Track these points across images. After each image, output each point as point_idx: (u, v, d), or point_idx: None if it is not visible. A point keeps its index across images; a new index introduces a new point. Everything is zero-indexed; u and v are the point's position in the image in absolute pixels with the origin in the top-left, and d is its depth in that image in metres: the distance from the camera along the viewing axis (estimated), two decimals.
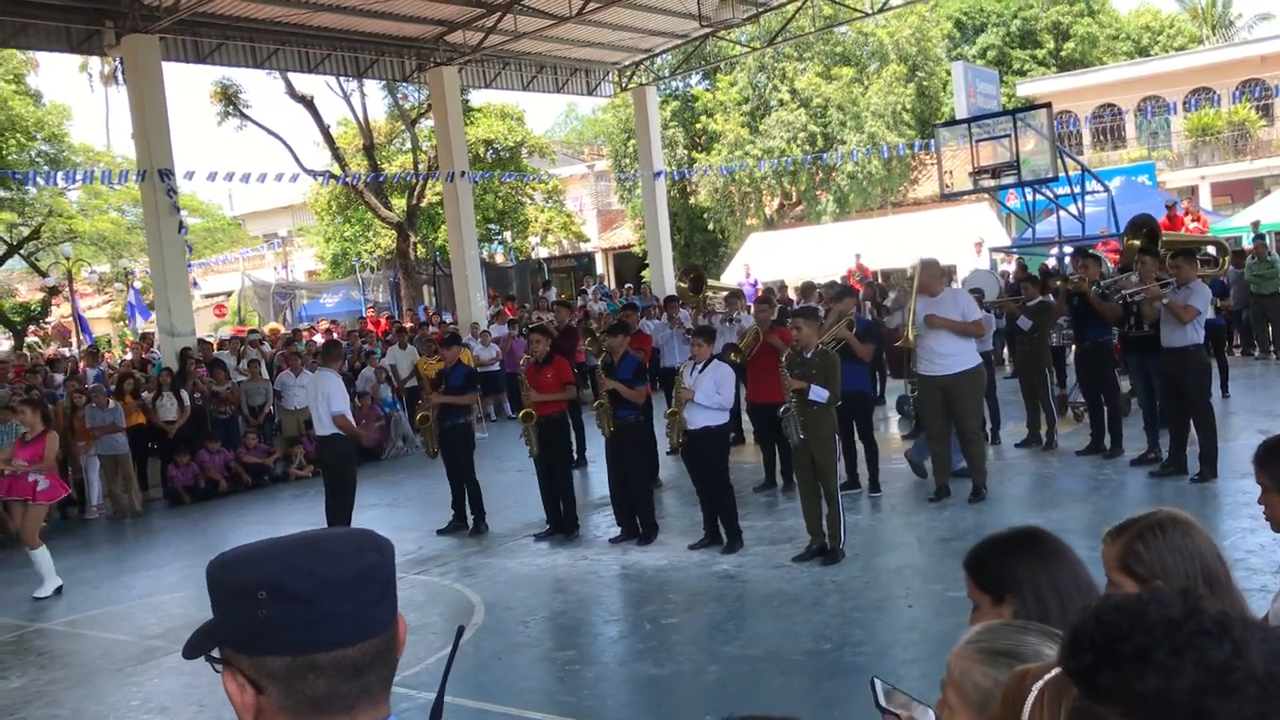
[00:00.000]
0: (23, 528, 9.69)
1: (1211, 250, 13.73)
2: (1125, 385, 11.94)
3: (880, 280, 21.81)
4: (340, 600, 1.26)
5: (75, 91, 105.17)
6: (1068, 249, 15.79)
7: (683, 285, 13.31)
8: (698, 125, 33.12)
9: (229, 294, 36.45)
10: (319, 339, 19.19)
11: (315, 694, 1.26)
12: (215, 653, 1.32)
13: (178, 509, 13.87)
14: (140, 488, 14.25)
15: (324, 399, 9.65)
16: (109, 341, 33.51)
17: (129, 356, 19.80)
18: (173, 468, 14.21)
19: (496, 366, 17.95)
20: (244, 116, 26.60)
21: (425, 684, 5.93)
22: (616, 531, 9.35)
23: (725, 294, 13.62)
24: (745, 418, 11.14)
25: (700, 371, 8.47)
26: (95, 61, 29.99)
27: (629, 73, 25.04)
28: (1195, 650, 0.99)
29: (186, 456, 14.23)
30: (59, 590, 9.52)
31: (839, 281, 16.89)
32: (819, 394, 7.83)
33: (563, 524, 9.66)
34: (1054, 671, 1.22)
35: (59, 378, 15.65)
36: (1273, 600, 2.77)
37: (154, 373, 15.59)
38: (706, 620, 7.02)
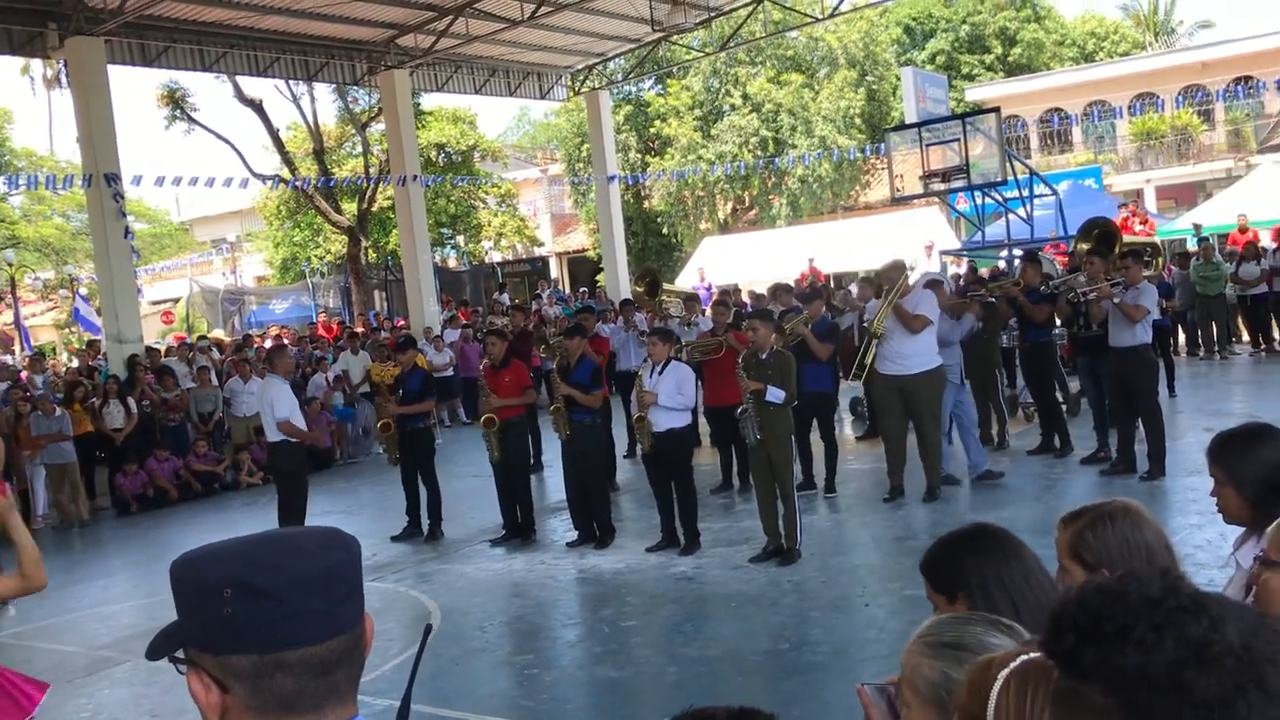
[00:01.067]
0: None
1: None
2: (1075, 385, 12.12)
3: (833, 284, 21.97)
4: (307, 597, 1.24)
5: (17, 95, 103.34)
6: (1017, 252, 15.98)
7: (638, 289, 13.31)
8: (651, 129, 33.18)
9: (177, 300, 35.97)
10: (269, 345, 18.98)
11: (282, 692, 1.25)
12: (179, 653, 1.30)
13: (126, 518, 13.66)
14: (88, 497, 14.02)
15: (269, 406, 9.59)
16: (54, 349, 32.96)
17: (75, 364, 19.48)
18: (120, 476, 13.98)
19: (450, 372, 17.86)
20: (191, 120, 26.27)
21: (383, 690, 5.88)
22: (574, 535, 9.33)
23: (682, 297, 13.65)
24: (702, 420, 11.15)
25: (660, 373, 8.47)
26: (37, 64, 29.49)
27: (582, 77, 25.03)
28: (1174, 626, 1.02)
29: (135, 465, 14.01)
30: (6, 604, 9.32)
31: (794, 284, 16.98)
32: (775, 395, 7.86)
33: (520, 528, 9.63)
34: (1019, 659, 1.24)
35: (2, 386, 15.35)
36: (1225, 588, 2.82)
37: (101, 380, 15.33)
38: (665, 622, 7.03)
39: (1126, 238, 15.48)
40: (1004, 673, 1.24)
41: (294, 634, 1.24)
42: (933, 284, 10.13)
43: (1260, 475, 2.74)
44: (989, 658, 1.34)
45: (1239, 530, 2.93)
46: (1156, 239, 19.27)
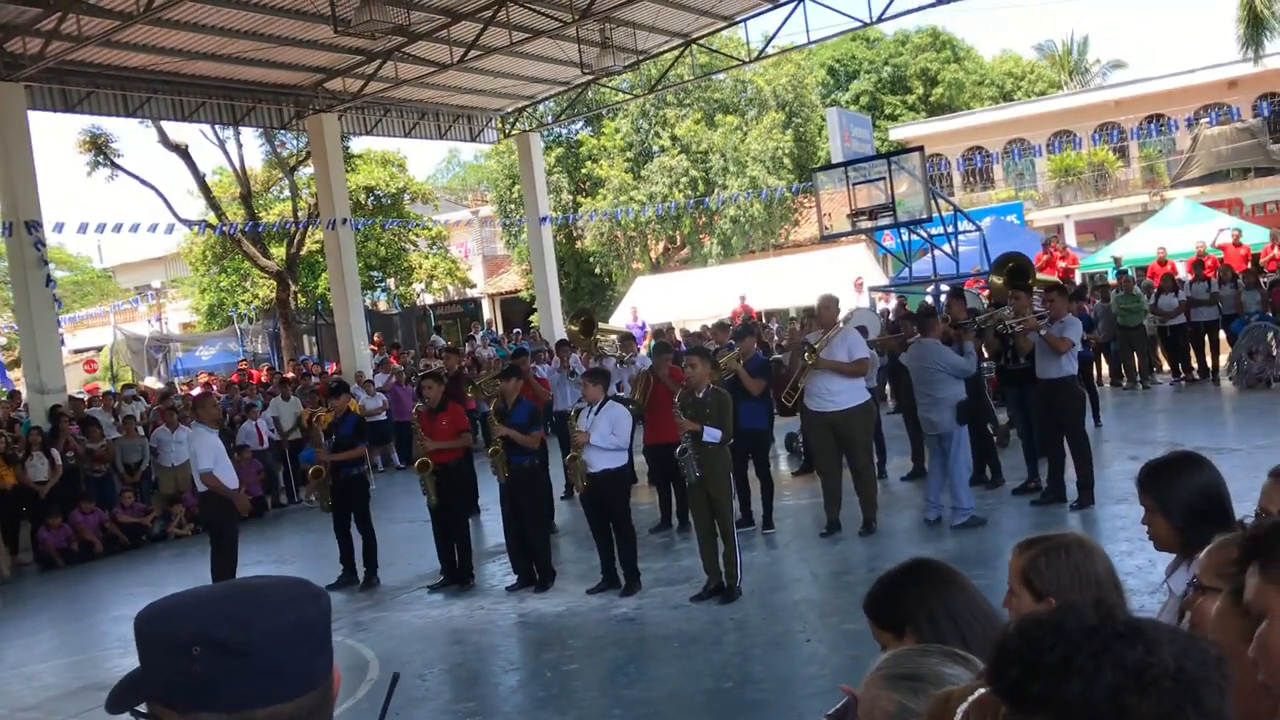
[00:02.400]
0: None
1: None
2: (1003, 417, 12.33)
3: (763, 320, 22.20)
4: (278, 653, 1.22)
5: None
6: (944, 287, 16.29)
7: (573, 328, 13.31)
8: (582, 171, 33.34)
9: (100, 349, 35.19)
10: (196, 393, 18.64)
11: None
12: (143, 706, 1.26)
13: (50, 573, 13.27)
14: (10, 552, 13.62)
15: (194, 457, 9.47)
16: None
17: None
18: (43, 530, 13.59)
19: (383, 416, 17.68)
20: (115, 166, 25.83)
21: None
22: (513, 579, 9.26)
23: (616, 336, 13.69)
24: (640, 458, 11.16)
25: (595, 414, 8.47)
26: None
27: (512, 119, 25.11)
28: (1111, 653, 1.06)
29: (58, 518, 13.63)
30: None
31: (727, 322, 17.13)
32: (712, 434, 7.90)
33: (458, 573, 9.53)
34: (978, 692, 1.26)
35: None
36: (1159, 614, 2.89)
37: (22, 432, 14.93)
38: (608, 664, 6.99)
39: (1045, 277, 15.87)
40: (963, 707, 1.26)
41: (263, 691, 1.22)
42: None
43: (1188, 503, 2.82)
44: (948, 691, 1.36)
45: (1168, 556, 3.00)
46: (1078, 274, 19.77)
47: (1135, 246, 21.79)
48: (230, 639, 1.20)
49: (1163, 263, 19.02)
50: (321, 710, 1.28)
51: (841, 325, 9.85)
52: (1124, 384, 17.40)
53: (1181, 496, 2.84)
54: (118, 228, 18.09)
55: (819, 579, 8.51)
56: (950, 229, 16.64)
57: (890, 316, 16.56)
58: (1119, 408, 15.62)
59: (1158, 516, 2.88)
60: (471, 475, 11.73)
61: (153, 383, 25.49)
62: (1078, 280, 20.38)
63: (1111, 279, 18.90)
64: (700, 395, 8.09)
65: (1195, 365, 17.29)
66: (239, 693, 1.21)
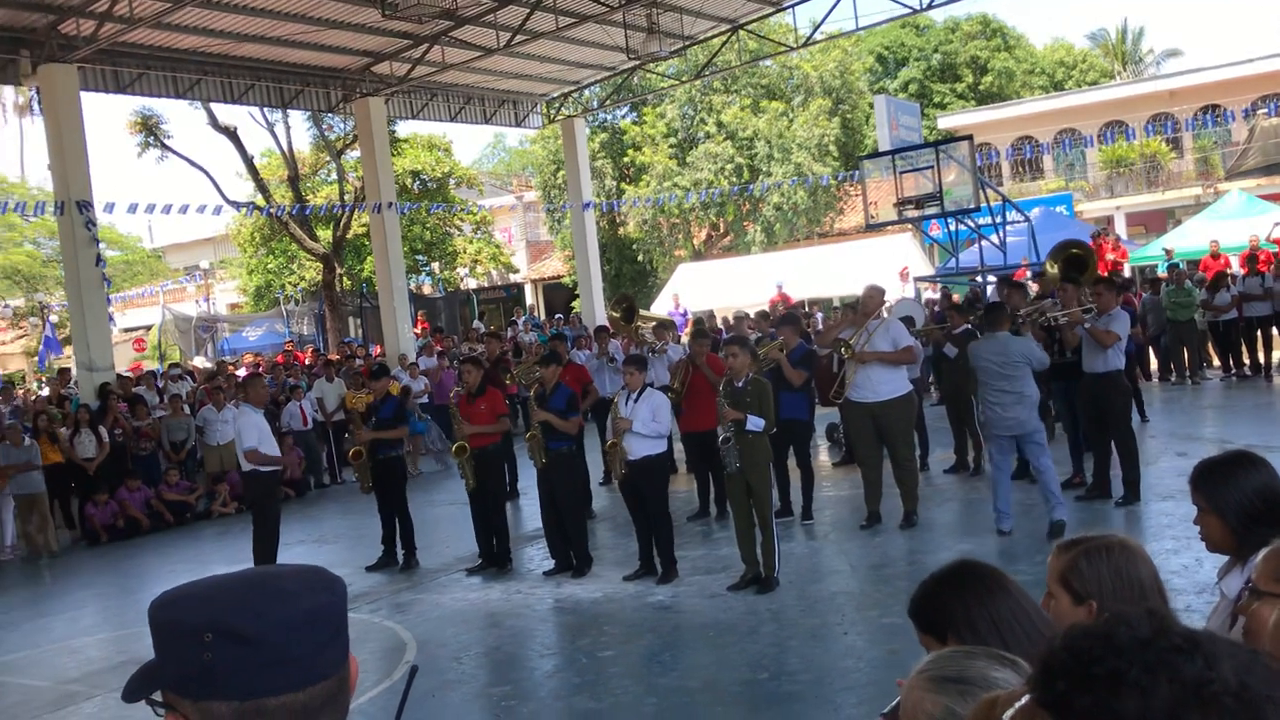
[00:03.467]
0: None
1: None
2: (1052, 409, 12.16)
3: (806, 309, 22.05)
4: (290, 642, 1.20)
5: None
6: (990, 277, 16.10)
7: (614, 314, 13.28)
8: (626, 157, 33.30)
9: (149, 328, 35.71)
10: (243, 373, 18.84)
11: None
12: (157, 695, 1.25)
13: (96, 549, 13.48)
14: (66, 527, 13.88)
15: (239, 436, 9.59)
16: (23, 377, 32.61)
17: (45, 392, 19.26)
18: (91, 506, 13.80)
19: (425, 399, 17.77)
20: (165, 147, 26.12)
21: None
22: (550, 564, 9.27)
23: (654, 324, 13.65)
24: (679, 446, 11.13)
25: (635, 401, 8.45)
26: (9, 91, 29.32)
27: (557, 104, 25.11)
28: (1168, 667, 1.01)
29: (105, 495, 13.84)
30: None
31: (770, 311, 17.04)
32: (755, 423, 7.85)
33: (495, 557, 9.56)
34: (1023, 700, 1.22)
35: None
36: (1209, 618, 2.82)
37: (71, 408, 15.16)
38: (643, 652, 6.98)
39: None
40: (1009, 713, 1.22)
41: (275, 681, 1.20)
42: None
43: (1242, 503, 2.74)
44: (993, 697, 1.32)
45: (1216, 556, 2.93)
46: (1128, 265, 19.47)
47: (1188, 239, 21.43)
48: (241, 627, 1.19)
49: (1215, 256, 18.69)
50: (337, 700, 1.27)
51: (884, 316, 9.76)
52: (1173, 379, 17.14)
53: (1236, 497, 2.76)
54: (167, 209, 18.29)
55: (858, 571, 8.44)
56: (998, 219, 16.44)
57: (935, 308, 16.41)
58: (1168, 403, 15.37)
59: (1211, 517, 2.81)
60: (510, 460, 11.77)
61: (200, 362, 25.80)
62: (1126, 273, 20.08)
63: (1162, 272, 18.59)
64: (740, 384, 8.04)
65: (1247, 361, 17.00)
66: (250, 682, 1.19)
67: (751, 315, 16.20)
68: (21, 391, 22.16)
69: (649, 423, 8.35)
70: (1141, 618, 1.06)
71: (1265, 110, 28.98)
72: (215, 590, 1.25)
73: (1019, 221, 17.44)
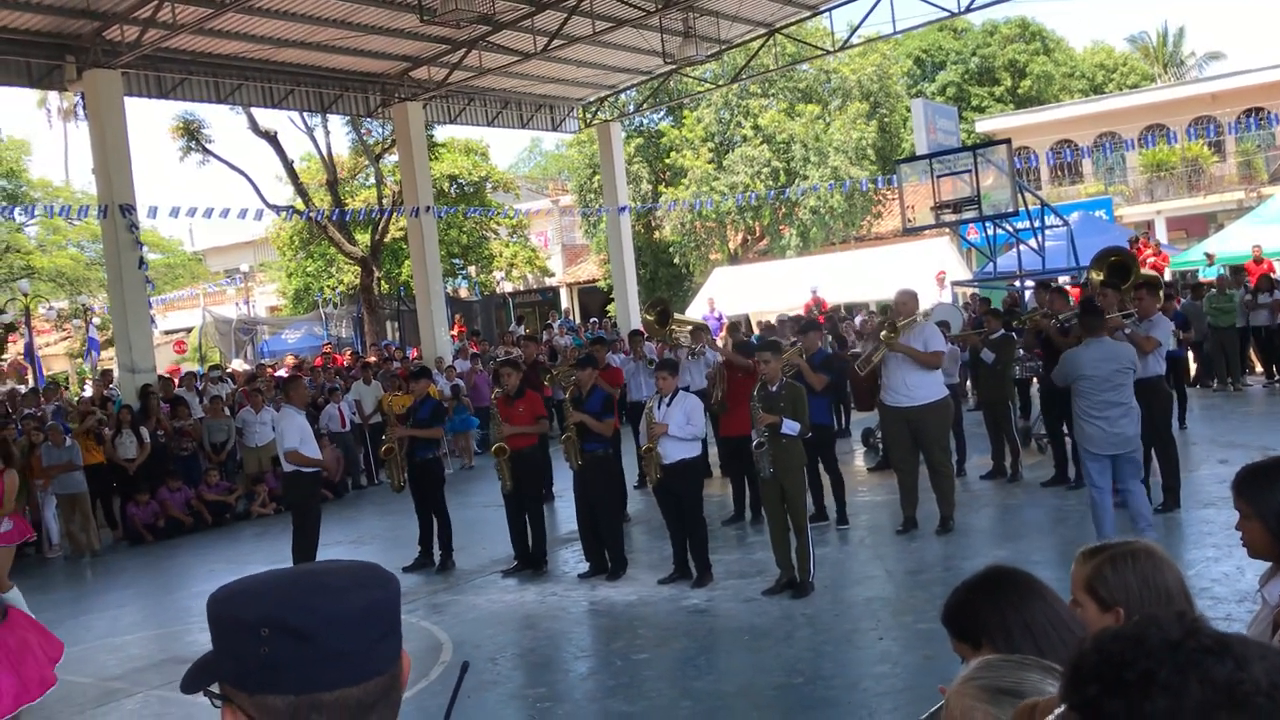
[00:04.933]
0: None
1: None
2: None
3: (842, 313, 21.97)
4: (345, 638, 1.23)
5: (33, 126, 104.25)
6: (1028, 282, 15.98)
7: (649, 318, 13.29)
8: (663, 161, 33.33)
9: (189, 330, 36.13)
10: (283, 374, 19.01)
11: None
12: (214, 687, 1.28)
13: (137, 548, 13.65)
14: (109, 527, 14.07)
15: (280, 437, 9.68)
16: (66, 379, 33.09)
17: (88, 393, 19.53)
18: (132, 506, 13.99)
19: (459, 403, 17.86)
20: (206, 151, 26.45)
21: None
22: (585, 566, 9.30)
23: (690, 328, 13.65)
24: (713, 450, 11.13)
25: (668, 405, 8.46)
26: (54, 96, 29.76)
27: (594, 109, 25.18)
28: (1199, 668, 1.01)
29: (146, 495, 14.02)
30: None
31: (801, 316, 17.00)
32: (791, 427, 7.84)
33: (531, 559, 9.60)
34: (1063, 706, 1.22)
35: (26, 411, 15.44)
36: (1250, 626, 2.79)
37: (114, 409, 15.37)
38: (677, 655, 6.99)
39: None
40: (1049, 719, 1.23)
41: (330, 675, 1.22)
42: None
43: None
44: (1031, 703, 1.32)
45: (1258, 564, 2.90)
46: (1169, 271, 19.25)
47: (1229, 244, 21.16)
48: (297, 622, 1.21)
49: (1258, 261, 18.45)
50: (389, 695, 1.29)
51: (920, 319, 9.71)
52: (1214, 385, 16.93)
53: None
54: (208, 212, 18.47)
55: (893, 576, 8.41)
56: (1037, 224, 16.30)
57: (973, 312, 16.31)
58: (1208, 409, 15.19)
59: (1254, 523, 2.77)
60: (546, 462, 11.81)
61: (238, 365, 26.06)
62: (1167, 278, 19.85)
63: (1204, 278, 18.37)
64: (774, 389, 8.04)
65: None
66: (306, 676, 1.22)
67: (783, 320, 16.16)
68: (62, 392, 22.49)
69: (683, 426, 8.36)
70: (1171, 620, 1.07)
71: None
72: (272, 586, 1.27)
73: (1058, 226, 17.28)
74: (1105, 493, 7.85)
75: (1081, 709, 1.06)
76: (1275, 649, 1.08)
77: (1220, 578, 7.11)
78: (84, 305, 33.06)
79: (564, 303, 37.84)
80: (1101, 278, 12.03)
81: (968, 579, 2.19)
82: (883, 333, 9.64)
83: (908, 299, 9.81)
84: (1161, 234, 27.88)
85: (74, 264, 35.85)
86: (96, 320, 32.31)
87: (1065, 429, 10.79)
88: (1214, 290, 16.93)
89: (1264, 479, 2.77)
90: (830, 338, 16.22)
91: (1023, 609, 2.05)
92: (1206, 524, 8.73)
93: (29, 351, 25.93)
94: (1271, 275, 17.50)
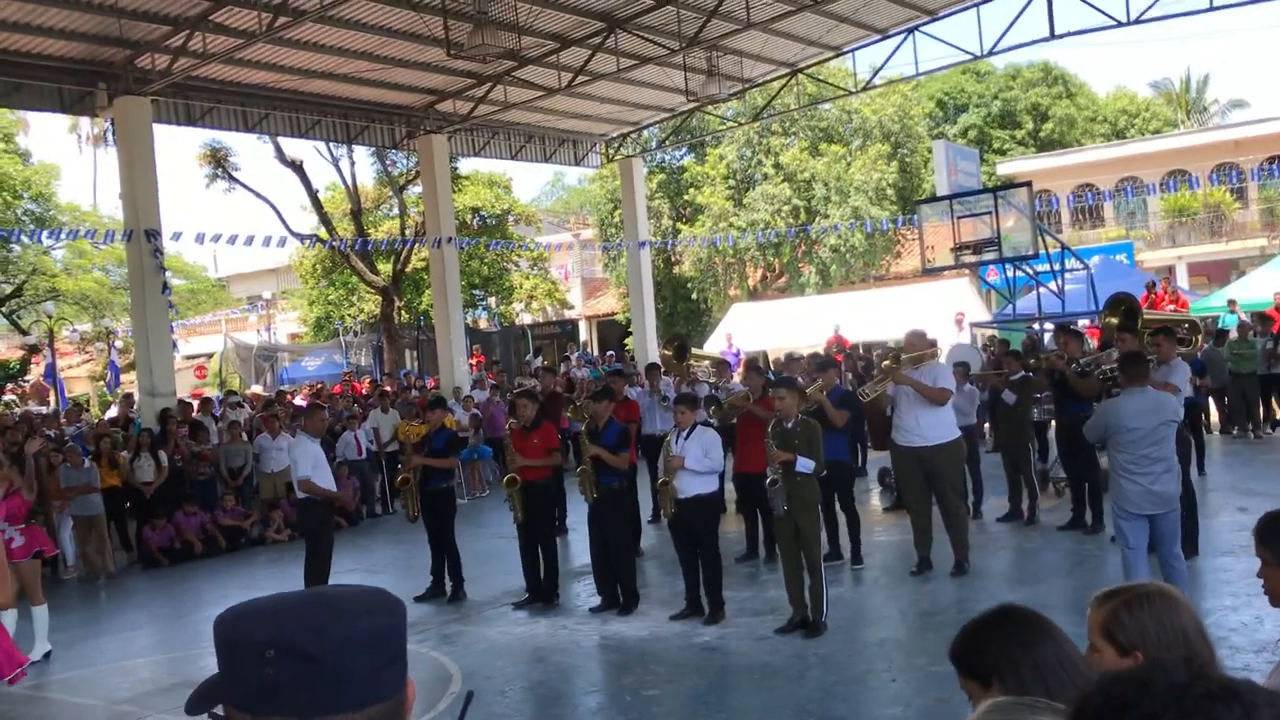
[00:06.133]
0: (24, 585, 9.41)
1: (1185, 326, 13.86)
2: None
3: (861, 352, 21.92)
4: (350, 662, 1.23)
5: (63, 151, 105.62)
6: (1048, 325, 15.94)
7: (666, 353, 13.32)
8: (684, 197, 33.46)
9: (210, 355, 36.34)
10: (300, 402, 19.09)
11: None
12: (219, 709, 1.28)
13: (152, 571, 13.68)
14: (124, 549, 14.11)
15: (295, 465, 9.70)
16: (88, 401, 33.28)
17: (113, 414, 19.64)
18: (148, 529, 14.03)
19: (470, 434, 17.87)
20: (232, 179, 26.74)
21: None
22: (597, 600, 9.27)
23: (709, 362, 13.66)
24: (729, 486, 11.10)
25: (687, 438, 8.46)
26: (85, 122, 30.15)
27: (616, 144, 25.35)
28: (1205, 714, 1.00)
29: (162, 519, 14.06)
30: (48, 655, 9.26)
31: (820, 353, 16.99)
32: (805, 465, 7.82)
33: (543, 592, 9.57)
34: None
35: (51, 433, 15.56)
36: (1269, 676, 2.76)
37: (134, 432, 15.45)
38: (688, 692, 6.95)
39: (1157, 314, 15.42)
40: None
41: (335, 699, 1.22)
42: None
43: None
44: None
45: (1278, 613, 2.88)
46: (1194, 316, 19.16)
47: (1251, 291, 21.05)
48: (303, 644, 1.21)
49: None
50: None
51: (932, 357, 9.71)
52: (1234, 432, 16.81)
53: None
54: (233, 239, 18.66)
55: (907, 618, 8.35)
56: (1057, 267, 16.28)
57: (993, 353, 16.26)
58: (1228, 456, 15.07)
59: (1276, 570, 2.75)
60: (560, 494, 11.82)
61: (257, 389, 26.15)
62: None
63: (1229, 327, 18.27)
64: (789, 425, 8.03)
65: None
66: (310, 699, 1.21)
67: (805, 357, 16.15)
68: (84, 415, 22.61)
69: (701, 459, 8.34)
70: (1178, 664, 1.06)
71: None
72: (279, 607, 1.27)
73: (1078, 269, 17.26)
74: (1140, 553, 7.18)
75: None
76: None
77: (1238, 627, 7.03)
78: (107, 329, 33.32)
79: (582, 335, 37.91)
80: (1117, 322, 11.97)
81: (977, 617, 2.19)
82: (885, 362, 9.65)
83: (916, 338, 9.81)
84: (1183, 280, 27.78)
85: (98, 287, 36.18)
86: (119, 344, 32.57)
87: (1082, 473, 10.73)
88: (1237, 337, 16.85)
89: None
90: (850, 375, 16.22)
91: (1033, 648, 2.04)
92: (1225, 572, 8.65)
93: (51, 373, 26.14)
94: None
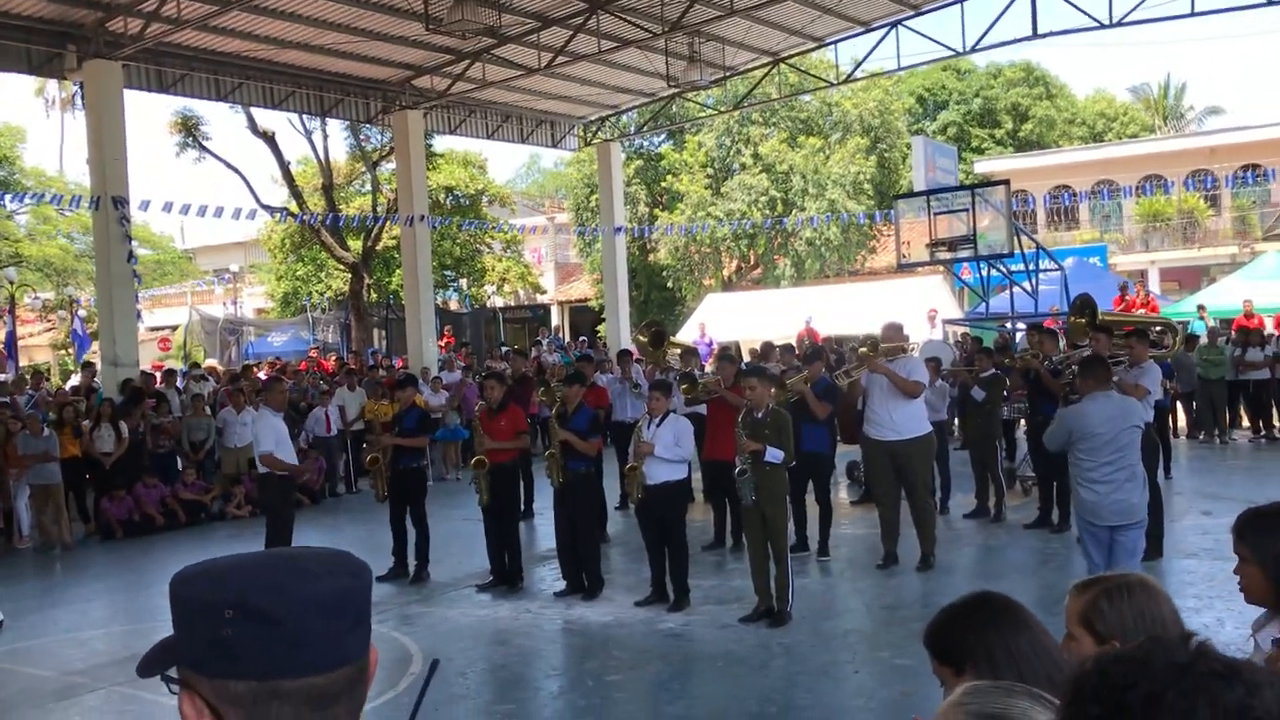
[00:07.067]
0: None
1: (1158, 329, 13.91)
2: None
3: (835, 344, 21.94)
4: (312, 624, 1.17)
5: (29, 114, 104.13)
6: (1020, 325, 15.98)
7: (642, 339, 13.20)
8: (661, 184, 33.37)
9: (175, 328, 35.96)
10: (264, 376, 18.86)
11: None
12: (173, 672, 1.22)
13: (109, 543, 13.48)
14: (81, 520, 13.91)
15: (256, 440, 9.59)
16: (48, 369, 32.87)
17: (76, 382, 19.37)
18: (106, 500, 13.81)
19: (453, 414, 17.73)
20: (203, 148, 26.38)
21: None
22: (561, 585, 9.20)
23: (680, 350, 13.58)
24: (697, 475, 11.06)
25: (659, 425, 8.38)
26: (53, 85, 29.68)
27: (594, 128, 25.21)
28: (1208, 692, 0.98)
29: (122, 490, 13.85)
30: None
31: (799, 344, 16.97)
32: (775, 455, 7.76)
33: (507, 575, 9.49)
34: None
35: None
36: None
37: (96, 402, 15.21)
38: (651, 679, 6.89)
39: (1128, 316, 15.49)
40: None
41: (295, 662, 1.17)
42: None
43: None
44: None
45: (1239, 615, 2.85)
46: (1174, 321, 19.29)
47: (1221, 298, 21.23)
48: (264, 605, 1.16)
49: (1249, 316, 18.50)
50: (356, 688, 1.23)
51: (909, 350, 9.72)
52: (1201, 437, 16.95)
53: None
54: (202, 210, 18.38)
55: (871, 610, 8.33)
56: (1031, 266, 16.31)
57: (965, 350, 16.29)
58: (1194, 461, 15.19)
59: (1253, 568, 2.72)
60: (527, 478, 11.74)
61: (213, 364, 25.84)
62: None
63: (1196, 331, 18.42)
64: (760, 415, 7.96)
65: (1277, 423, 16.81)
66: (269, 661, 1.16)
67: (779, 349, 16.11)
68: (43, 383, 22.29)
69: (672, 446, 8.28)
70: (1178, 643, 1.04)
71: None
72: (239, 567, 1.22)
73: (1052, 270, 17.30)
74: (1100, 568, 6.58)
75: None
76: None
77: (1200, 628, 7.03)
78: (70, 297, 32.88)
79: (554, 320, 37.78)
80: (1085, 322, 11.97)
81: (955, 602, 2.16)
82: (862, 349, 9.64)
83: (894, 331, 9.83)
84: (1155, 284, 27.98)
85: (63, 254, 35.71)
86: (83, 313, 32.15)
87: (1053, 473, 10.75)
88: (1207, 342, 16.99)
89: (1266, 524, 2.72)
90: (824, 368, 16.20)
91: (1009, 636, 2.02)
92: (1188, 574, 8.70)
93: (10, 340, 25.71)
94: (1262, 330, 17.56)
